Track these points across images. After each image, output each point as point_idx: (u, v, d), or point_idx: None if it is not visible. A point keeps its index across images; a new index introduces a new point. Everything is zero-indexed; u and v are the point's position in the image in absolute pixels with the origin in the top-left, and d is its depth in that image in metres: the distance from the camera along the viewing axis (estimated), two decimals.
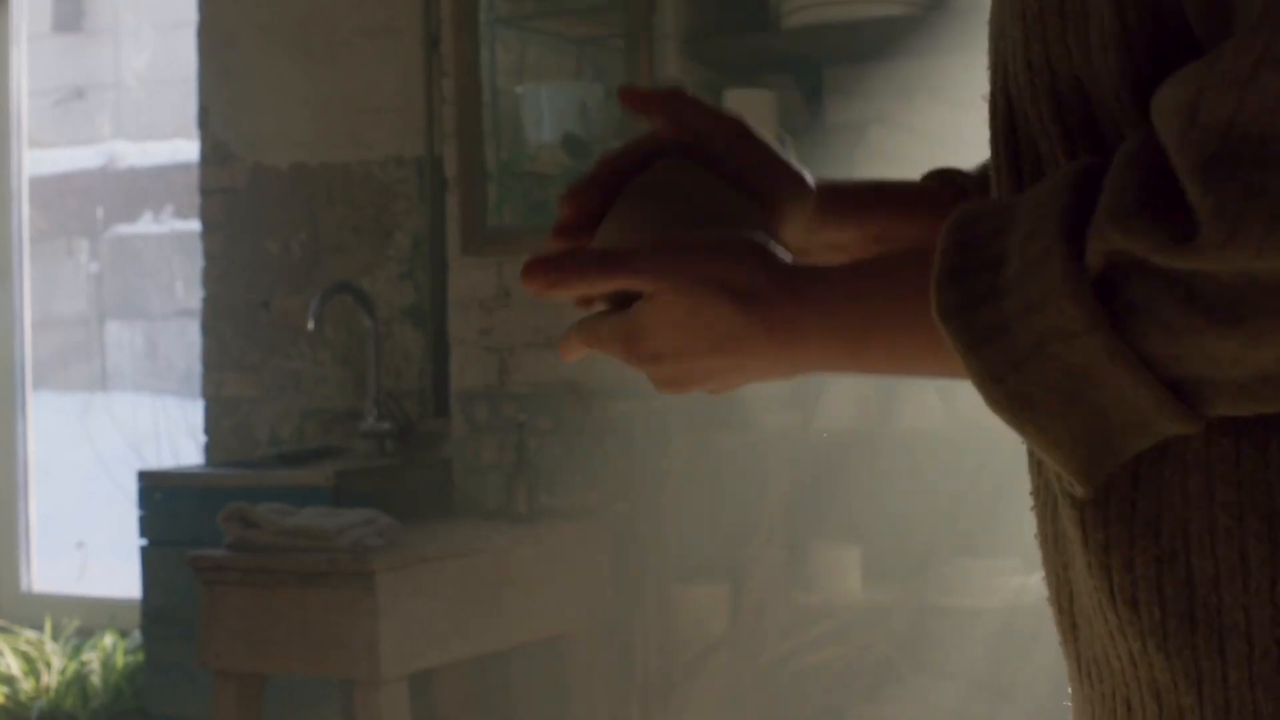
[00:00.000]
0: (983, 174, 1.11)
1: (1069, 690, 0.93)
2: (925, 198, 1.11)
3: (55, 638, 5.13)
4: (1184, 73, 0.73)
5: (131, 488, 4.37)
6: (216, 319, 4.81)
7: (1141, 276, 0.73)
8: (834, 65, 4.00)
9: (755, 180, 1.05)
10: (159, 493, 4.26)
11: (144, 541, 4.28)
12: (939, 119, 3.72)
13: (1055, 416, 0.78)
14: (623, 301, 0.97)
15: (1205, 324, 0.72)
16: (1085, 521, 0.82)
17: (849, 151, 3.86)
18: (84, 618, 5.21)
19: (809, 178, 1.08)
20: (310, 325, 4.28)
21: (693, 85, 4.04)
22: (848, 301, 0.90)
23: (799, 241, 1.08)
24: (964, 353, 0.79)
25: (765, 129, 4.05)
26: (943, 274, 0.80)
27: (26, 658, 5.02)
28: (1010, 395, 0.78)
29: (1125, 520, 0.80)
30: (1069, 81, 0.82)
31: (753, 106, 3.93)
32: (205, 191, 4.83)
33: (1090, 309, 0.74)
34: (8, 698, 4.93)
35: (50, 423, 5.76)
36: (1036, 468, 0.91)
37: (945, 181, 1.12)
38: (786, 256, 0.95)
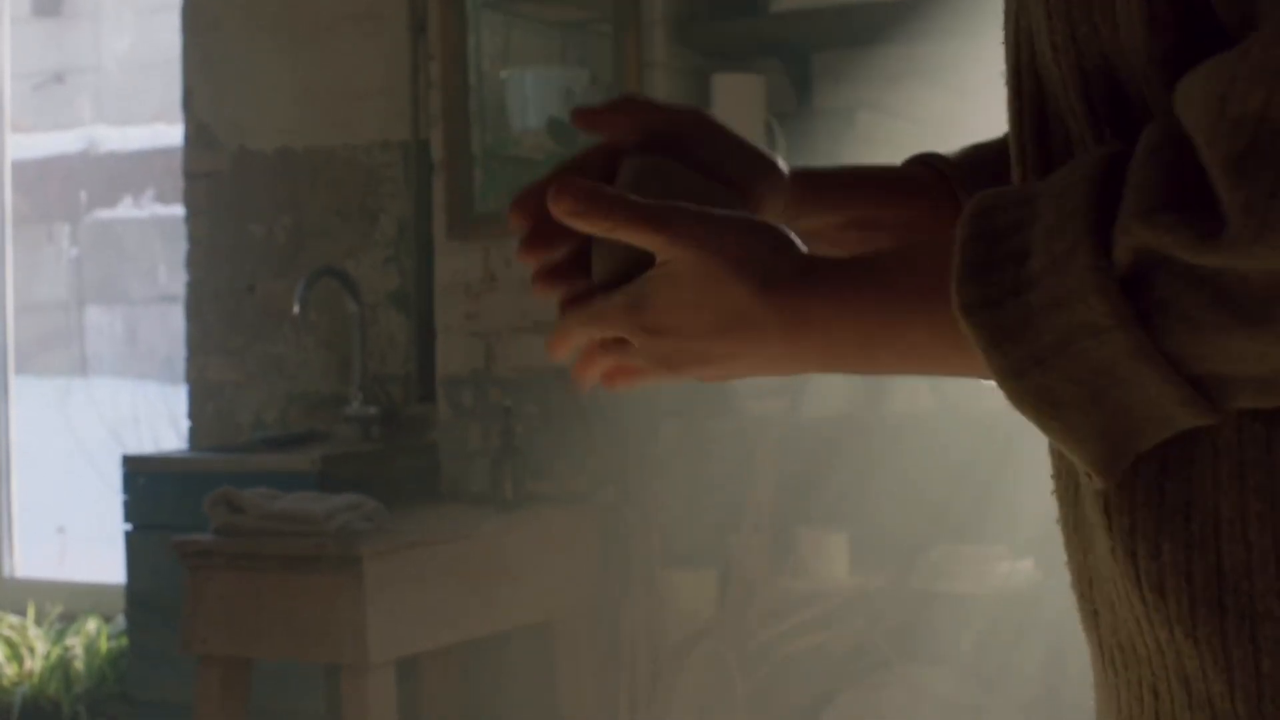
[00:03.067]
0: (965, 157, 1.09)
1: (1093, 679, 0.91)
2: (903, 181, 1.10)
3: (38, 623, 5.11)
4: (1213, 63, 0.72)
5: (111, 474, 4.35)
6: (200, 303, 4.79)
7: (1169, 274, 0.72)
8: (823, 50, 3.99)
9: (727, 169, 1.03)
10: (143, 477, 4.24)
11: (128, 526, 4.26)
12: (928, 104, 3.72)
13: (1079, 412, 0.77)
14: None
15: (1233, 323, 0.71)
16: (1110, 507, 0.81)
17: (837, 137, 3.85)
18: (67, 603, 5.19)
19: (782, 163, 1.05)
20: (296, 309, 4.27)
21: (680, 70, 4.03)
22: (865, 293, 0.88)
23: None
24: (986, 348, 0.78)
25: (754, 114, 3.98)
26: (964, 268, 0.78)
27: (9, 643, 5.00)
28: (1034, 391, 0.77)
29: (1153, 506, 0.79)
30: (1095, 60, 0.81)
31: (741, 91, 3.91)
32: (189, 175, 4.81)
33: (1118, 306, 0.73)
34: None
35: (29, 408, 5.73)
36: (1057, 452, 0.89)
37: (924, 166, 1.10)
38: (804, 246, 0.93)
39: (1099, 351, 0.75)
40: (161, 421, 5.37)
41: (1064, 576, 0.90)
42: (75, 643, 4.95)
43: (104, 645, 4.91)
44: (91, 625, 4.99)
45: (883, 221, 1.08)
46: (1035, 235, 0.77)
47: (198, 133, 4.79)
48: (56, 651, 4.94)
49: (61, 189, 5.90)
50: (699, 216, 0.92)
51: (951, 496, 3.65)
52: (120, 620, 4.82)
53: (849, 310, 0.88)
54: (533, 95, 4.19)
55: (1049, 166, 0.86)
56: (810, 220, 1.07)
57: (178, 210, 4.91)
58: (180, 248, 4.86)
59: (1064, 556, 0.90)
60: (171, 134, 5.04)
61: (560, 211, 0.94)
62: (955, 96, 3.63)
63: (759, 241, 0.91)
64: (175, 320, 5.04)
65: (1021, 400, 0.78)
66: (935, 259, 0.83)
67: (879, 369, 0.90)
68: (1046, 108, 0.86)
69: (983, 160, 1.09)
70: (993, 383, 0.80)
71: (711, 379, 0.96)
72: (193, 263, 4.80)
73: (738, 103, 3.91)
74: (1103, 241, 0.74)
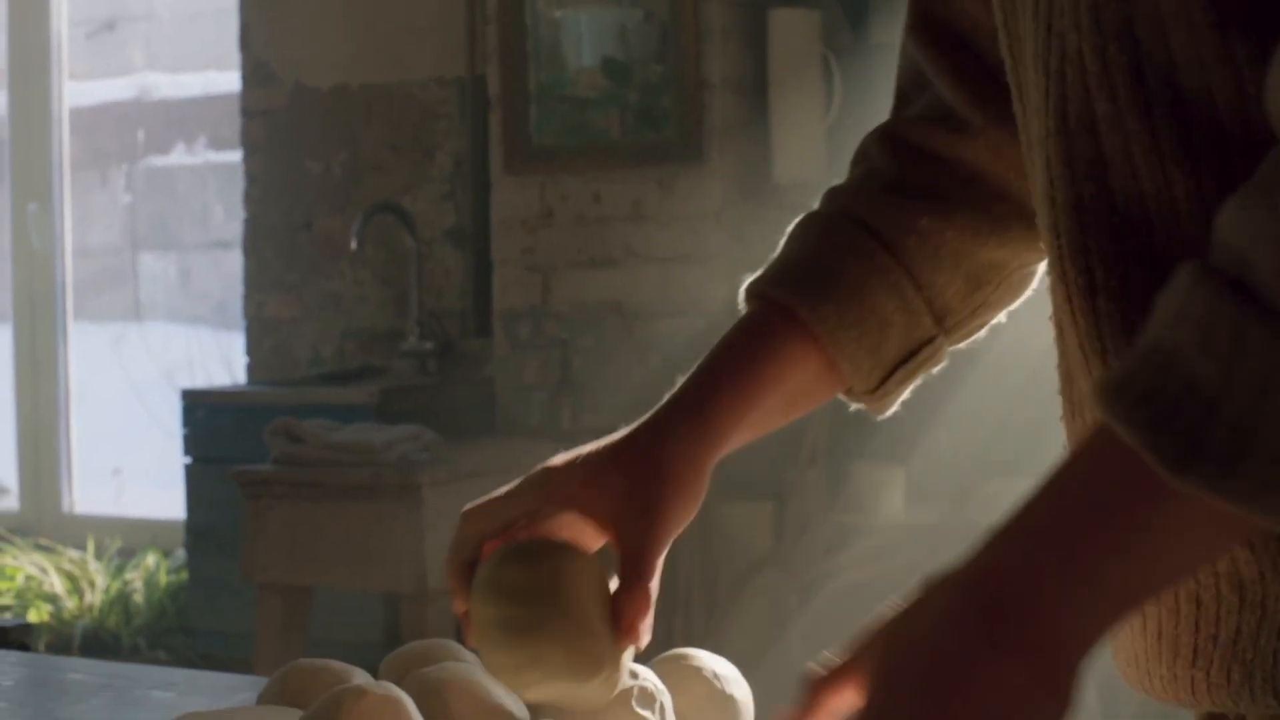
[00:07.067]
0: (794, 283, 1.06)
1: None
2: (771, 365, 1.06)
3: (98, 557, 5.16)
4: None
5: (165, 416, 4.39)
6: (257, 240, 4.81)
7: None
8: None
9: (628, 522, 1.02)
10: (202, 410, 4.28)
11: (187, 459, 4.30)
12: None
13: None
14: None
15: None
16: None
17: (892, 72, 3.84)
18: (125, 538, 5.24)
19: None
20: (353, 245, 4.29)
21: (736, 4, 4.02)
22: (1043, 558, 0.75)
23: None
24: (1233, 492, 0.67)
25: (810, 49, 3.93)
26: (1148, 443, 0.68)
27: (70, 577, 5.05)
28: None
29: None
30: None
31: (796, 26, 3.91)
32: (246, 113, 4.83)
33: None
34: (52, 616, 4.96)
35: (84, 351, 5.78)
36: (1068, 387, 0.90)
37: (767, 305, 1.07)
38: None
39: None
40: (215, 364, 5.41)
41: None
42: (135, 577, 5.00)
43: (163, 579, 4.96)
44: (150, 559, 5.04)
45: (775, 406, 1.08)
46: (1185, 363, 0.68)
47: (255, 70, 4.81)
48: (116, 585, 4.99)
49: (115, 135, 5.93)
50: (870, 637, 0.80)
51: (1006, 430, 3.65)
52: (179, 555, 4.87)
53: (1037, 589, 0.74)
54: (587, 34, 4.19)
55: (1065, 122, 0.83)
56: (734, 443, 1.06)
57: (231, 156, 4.93)
58: (233, 193, 4.88)
59: None
60: (224, 80, 5.06)
61: None
62: None
63: (923, 600, 0.77)
64: (228, 265, 5.06)
65: None
66: (1076, 485, 0.76)
67: (1124, 609, 0.75)
68: (1065, 50, 0.83)
69: (808, 281, 1.06)
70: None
71: None
72: (250, 200, 4.83)
73: (793, 38, 3.91)
74: (1262, 315, 0.66)
